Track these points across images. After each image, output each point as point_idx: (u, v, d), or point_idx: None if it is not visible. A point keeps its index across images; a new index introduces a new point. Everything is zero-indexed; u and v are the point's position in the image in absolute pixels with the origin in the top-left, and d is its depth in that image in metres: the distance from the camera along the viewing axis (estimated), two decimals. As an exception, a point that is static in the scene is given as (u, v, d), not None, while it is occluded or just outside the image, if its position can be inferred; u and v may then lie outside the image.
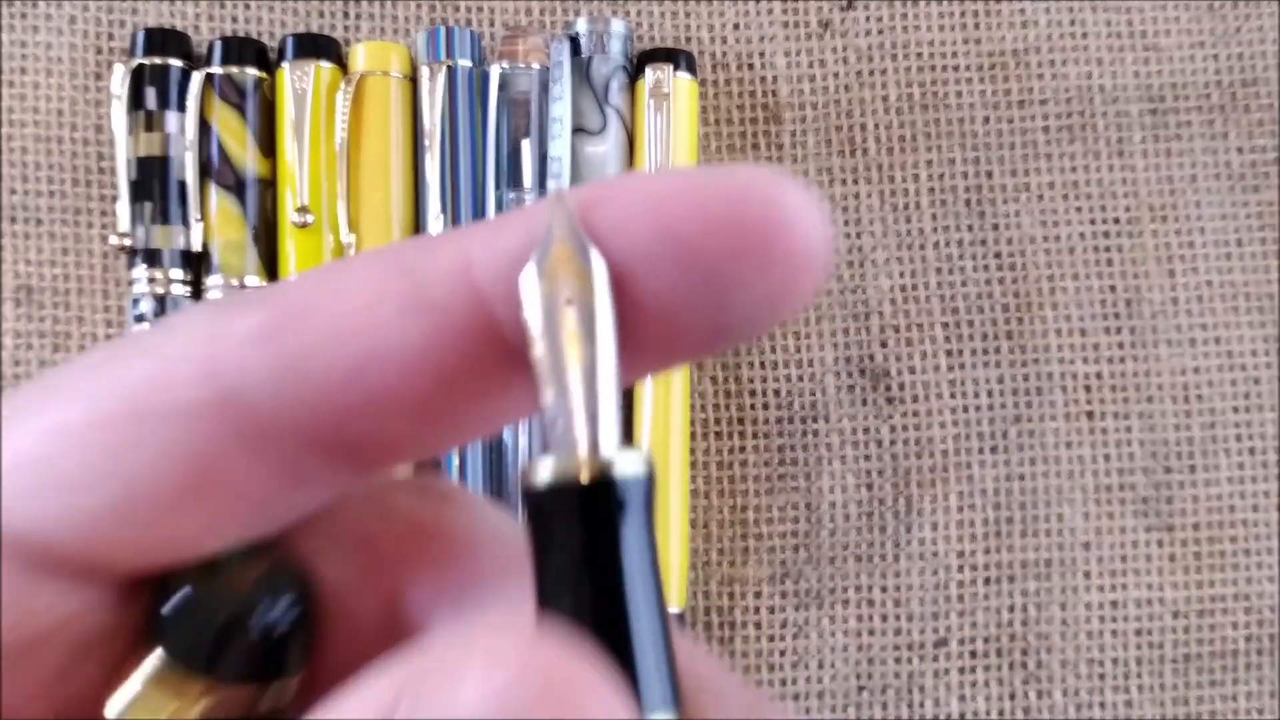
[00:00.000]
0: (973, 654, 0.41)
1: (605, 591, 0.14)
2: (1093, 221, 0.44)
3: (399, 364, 0.15)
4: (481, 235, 0.16)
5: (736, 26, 0.44)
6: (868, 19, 0.45)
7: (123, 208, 0.41)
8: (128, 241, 0.41)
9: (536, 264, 0.15)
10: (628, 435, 0.41)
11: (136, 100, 0.41)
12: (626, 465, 0.15)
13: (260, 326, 0.15)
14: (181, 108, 0.41)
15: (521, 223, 0.16)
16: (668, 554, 0.40)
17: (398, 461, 0.16)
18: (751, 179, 0.15)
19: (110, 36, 0.43)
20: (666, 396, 0.41)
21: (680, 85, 0.42)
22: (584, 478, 0.15)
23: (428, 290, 0.15)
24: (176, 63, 0.42)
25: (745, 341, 0.16)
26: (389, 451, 0.16)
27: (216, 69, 0.42)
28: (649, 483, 0.15)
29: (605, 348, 0.15)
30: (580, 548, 0.14)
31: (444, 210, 0.41)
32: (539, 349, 0.15)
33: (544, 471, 0.15)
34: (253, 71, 0.42)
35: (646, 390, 0.41)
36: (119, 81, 0.41)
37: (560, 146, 0.41)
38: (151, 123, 0.41)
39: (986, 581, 0.42)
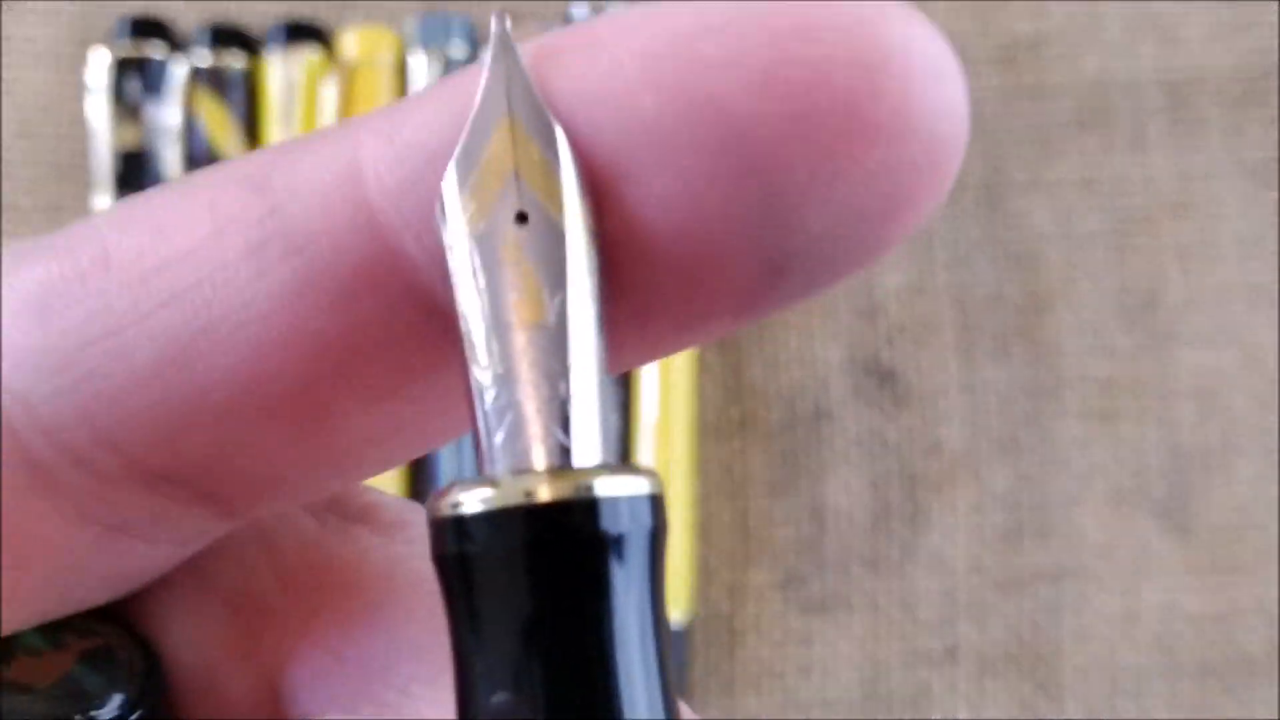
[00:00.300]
0: (983, 663, 0.41)
1: (576, 686, 0.09)
2: (1109, 217, 0.44)
3: (251, 339, 0.10)
4: (376, 126, 0.11)
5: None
6: (876, 8, 0.45)
7: (103, 203, 0.41)
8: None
9: (460, 162, 0.10)
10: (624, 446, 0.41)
11: (119, 92, 0.41)
12: (616, 483, 0.10)
13: (38, 289, 0.11)
14: (165, 99, 0.41)
15: (440, 101, 0.11)
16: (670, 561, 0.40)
17: (278, 502, 0.12)
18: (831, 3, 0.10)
19: (95, 29, 0.42)
20: (668, 385, 0.41)
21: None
22: (543, 496, 0.10)
23: (291, 216, 0.11)
24: (159, 53, 0.41)
25: (810, 293, 0.11)
26: (259, 486, 0.11)
27: (201, 58, 0.41)
28: (655, 512, 0.10)
29: (579, 295, 0.10)
30: (535, 612, 0.09)
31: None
32: (467, 300, 0.10)
33: (475, 491, 0.10)
34: (239, 60, 0.41)
35: (644, 380, 0.41)
36: (96, 71, 0.41)
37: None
38: (134, 115, 0.41)
39: (997, 588, 0.41)
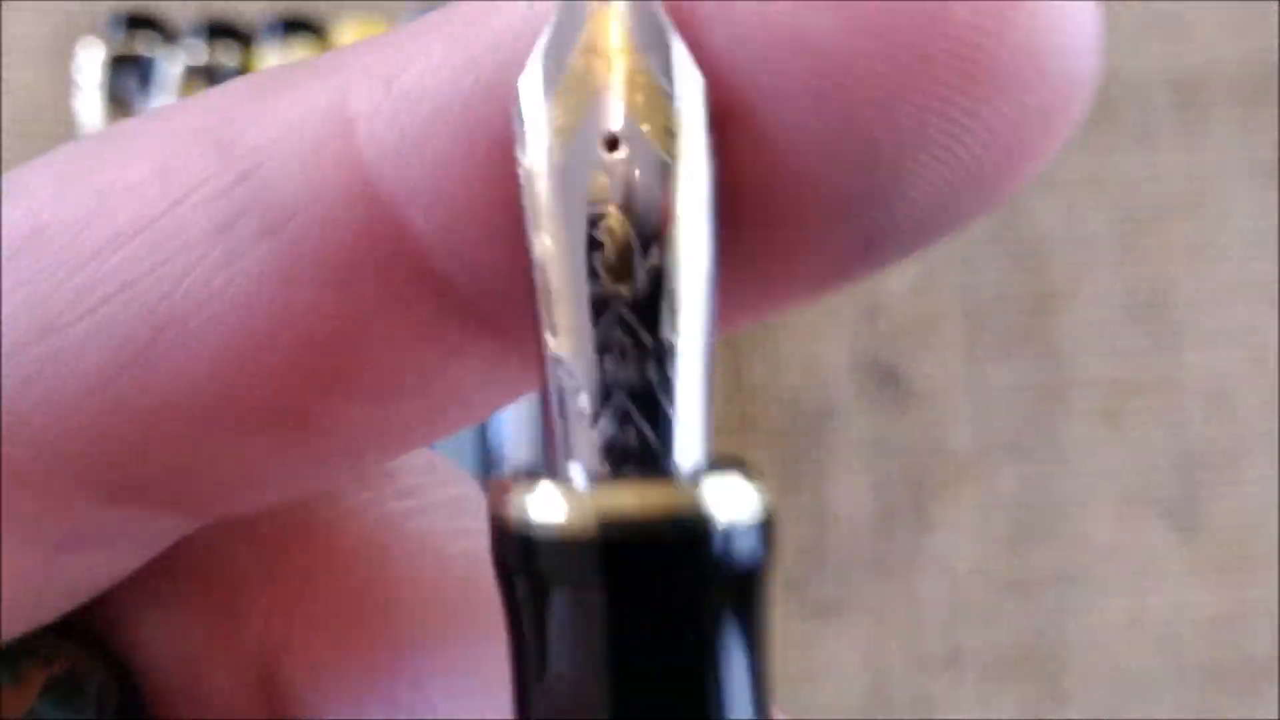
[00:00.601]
0: (987, 667, 0.41)
1: None
2: (1116, 215, 0.43)
3: (223, 336, 0.09)
4: (367, 65, 0.09)
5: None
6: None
7: None
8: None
9: (544, 62, 0.08)
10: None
11: (113, 89, 0.41)
12: (728, 496, 0.08)
13: None
14: (159, 95, 0.41)
15: (451, 33, 0.08)
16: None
17: (256, 504, 0.10)
18: None
19: (89, 26, 0.42)
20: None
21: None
22: (628, 511, 0.08)
23: (266, 184, 0.08)
24: (153, 49, 0.41)
25: (906, 256, 0.09)
26: (234, 491, 0.10)
27: (195, 54, 0.41)
28: (768, 536, 0.08)
29: (685, 250, 0.08)
30: (617, 652, 0.08)
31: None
32: (542, 247, 0.08)
33: (545, 500, 0.08)
34: (233, 55, 0.41)
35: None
36: (88, 67, 0.41)
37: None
38: (127, 111, 0.40)
39: (1002, 592, 0.41)
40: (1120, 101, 0.44)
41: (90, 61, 0.41)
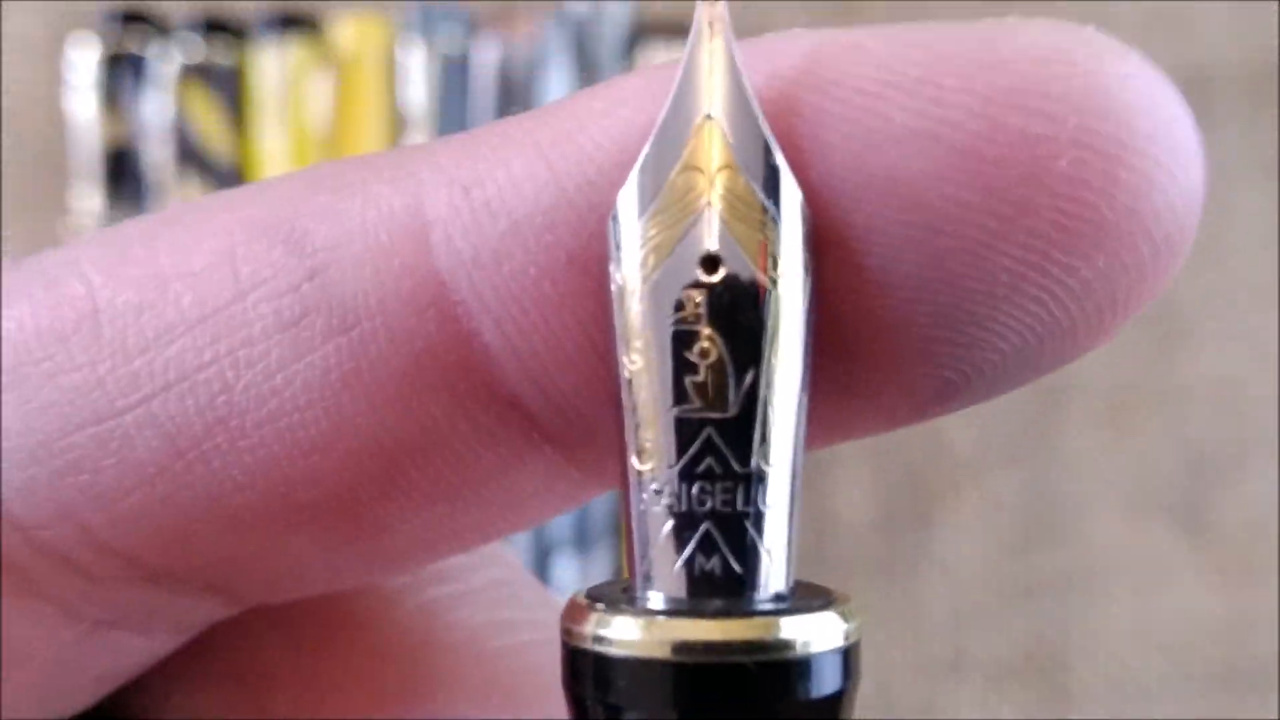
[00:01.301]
0: (990, 672, 0.41)
1: None
2: None
3: (282, 434, 0.08)
4: (445, 167, 0.08)
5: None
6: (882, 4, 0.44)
7: (88, 194, 0.40)
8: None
9: (642, 177, 0.08)
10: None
11: (107, 86, 0.41)
12: (810, 628, 0.08)
13: (8, 349, 0.08)
14: (153, 93, 0.40)
15: (534, 139, 0.08)
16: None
17: (298, 595, 0.10)
18: (1090, 53, 0.07)
19: (84, 23, 0.42)
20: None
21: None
22: (705, 644, 0.07)
23: (337, 284, 0.08)
24: (147, 47, 0.41)
25: (984, 399, 0.09)
26: (279, 584, 0.09)
27: (190, 51, 0.41)
28: (848, 664, 0.08)
29: (778, 377, 0.08)
30: None
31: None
32: (633, 366, 0.08)
33: (622, 623, 0.08)
34: (229, 52, 0.41)
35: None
36: (81, 64, 0.40)
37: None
38: (121, 109, 0.41)
39: (1005, 597, 0.41)
40: (1124, 100, 0.44)
41: (83, 60, 0.40)
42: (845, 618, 0.08)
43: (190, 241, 0.09)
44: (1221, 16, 0.44)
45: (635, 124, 0.08)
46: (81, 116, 0.40)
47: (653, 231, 0.08)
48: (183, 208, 0.09)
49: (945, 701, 0.41)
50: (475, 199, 0.08)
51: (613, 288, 0.08)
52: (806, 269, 0.08)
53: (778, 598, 0.08)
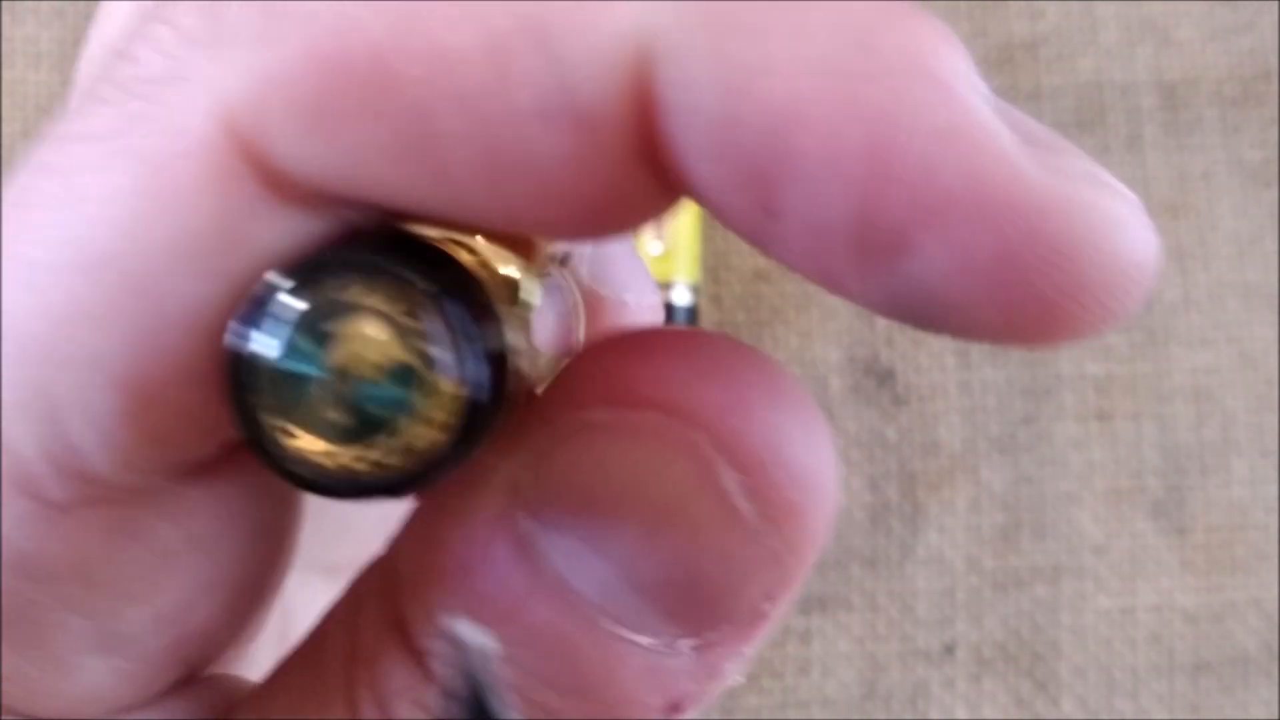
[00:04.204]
0: (980, 661, 0.41)
1: None
2: None
3: (513, 189, 0.10)
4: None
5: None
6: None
7: None
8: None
9: None
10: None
11: None
12: None
13: (300, 81, 0.10)
14: None
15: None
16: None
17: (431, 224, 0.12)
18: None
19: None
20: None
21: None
22: None
23: (577, 85, 0.10)
24: None
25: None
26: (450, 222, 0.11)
27: None
28: None
29: None
30: None
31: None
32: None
33: None
34: None
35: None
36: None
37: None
38: None
39: (995, 586, 0.41)
40: (1108, 106, 0.44)
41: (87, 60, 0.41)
42: None
43: (454, 20, 0.10)
44: (1204, 24, 0.44)
45: None
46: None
47: None
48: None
49: (937, 688, 0.41)
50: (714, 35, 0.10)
51: None
52: None
53: None
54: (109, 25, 0.15)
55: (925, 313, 0.10)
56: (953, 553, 0.41)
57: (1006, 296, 0.09)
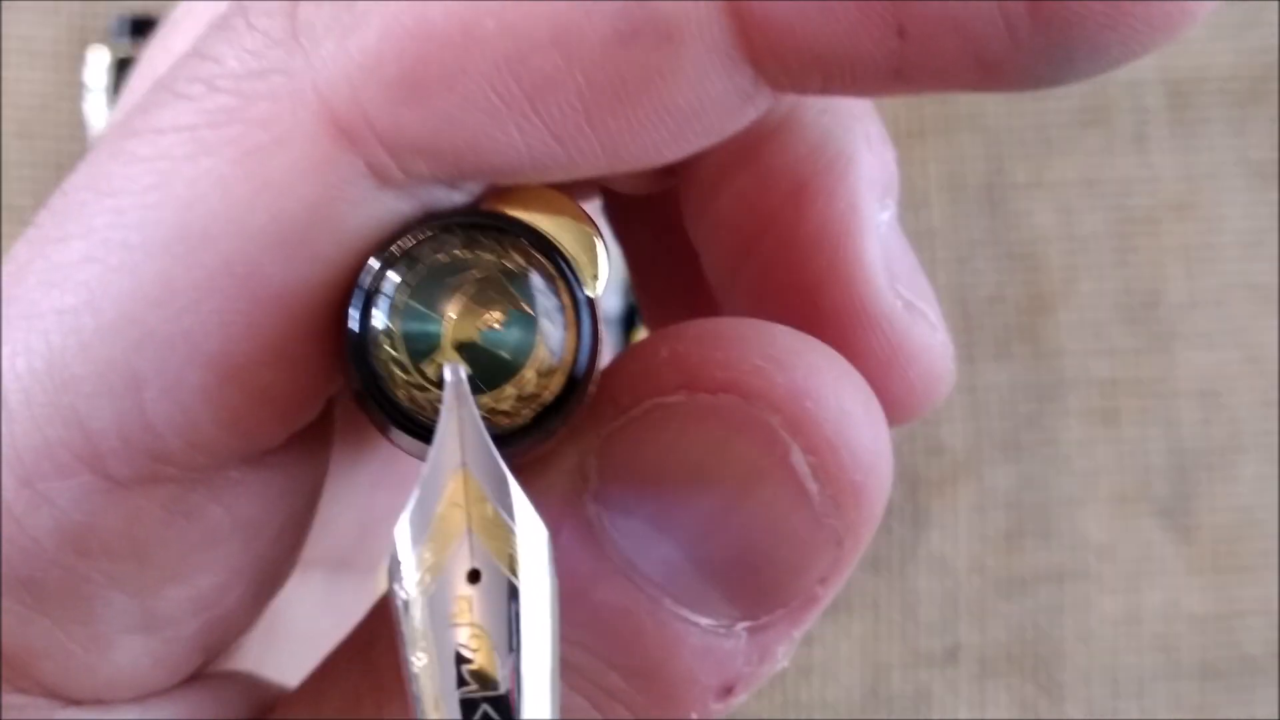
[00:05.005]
0: (984, 664, 0.41)
1: None
2: (1111, 217, 0.43)
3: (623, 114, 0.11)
4: None
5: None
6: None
7: None
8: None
9: (415, 516, 0.10)
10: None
11: (118, 92, 0.41)
12: None
13: (396, 73, 0.11)
14: None
15: None
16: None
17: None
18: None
19: (94, 29, 0.42)
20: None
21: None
22: None
23: (656, 11, 0.11)
24: None
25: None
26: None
27: None
28: None
29: (534, 658, 0.10)
30: None
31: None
32: (417, 659, 0.10)
33: None
34: None
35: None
36: (95, 70, 0.41)
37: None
38: None
39: (998, 589, 0.41)
40: (1114, 103, 0.44)
41: (92, 65, 0.41)
42: None
43: None
44: (1211, 21, 0.43)
45: None
46: (91, 121, 0.41)
47: (426, 556, 0.10)
48: None
49: (941, 692, 0.41)
50: None
51: (398, 602, 0.10)
52: (549, 570, 0.10)
53: None
54: (175, 32, 0.16)
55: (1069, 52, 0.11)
56: (955, 555, 0.41)
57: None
